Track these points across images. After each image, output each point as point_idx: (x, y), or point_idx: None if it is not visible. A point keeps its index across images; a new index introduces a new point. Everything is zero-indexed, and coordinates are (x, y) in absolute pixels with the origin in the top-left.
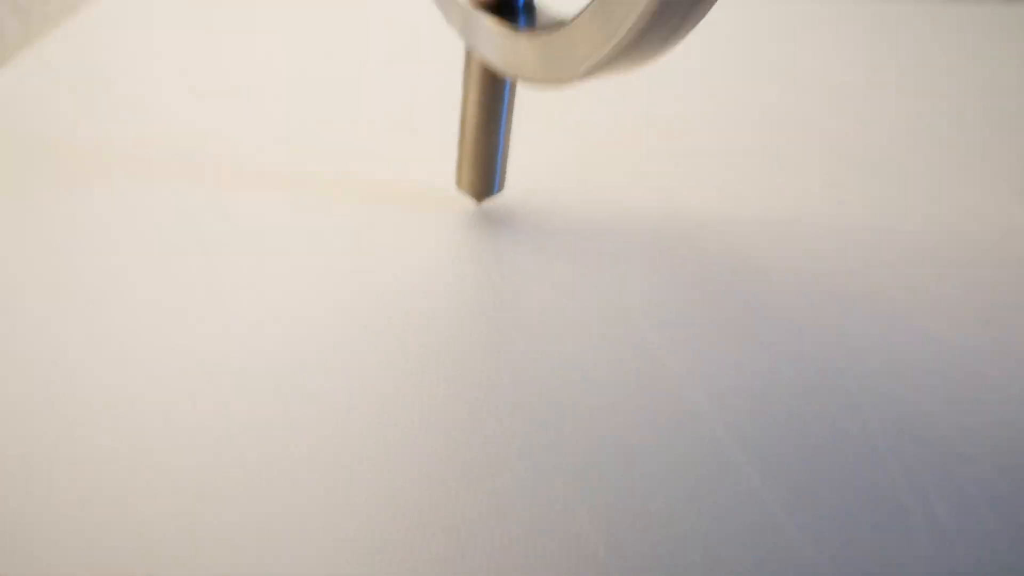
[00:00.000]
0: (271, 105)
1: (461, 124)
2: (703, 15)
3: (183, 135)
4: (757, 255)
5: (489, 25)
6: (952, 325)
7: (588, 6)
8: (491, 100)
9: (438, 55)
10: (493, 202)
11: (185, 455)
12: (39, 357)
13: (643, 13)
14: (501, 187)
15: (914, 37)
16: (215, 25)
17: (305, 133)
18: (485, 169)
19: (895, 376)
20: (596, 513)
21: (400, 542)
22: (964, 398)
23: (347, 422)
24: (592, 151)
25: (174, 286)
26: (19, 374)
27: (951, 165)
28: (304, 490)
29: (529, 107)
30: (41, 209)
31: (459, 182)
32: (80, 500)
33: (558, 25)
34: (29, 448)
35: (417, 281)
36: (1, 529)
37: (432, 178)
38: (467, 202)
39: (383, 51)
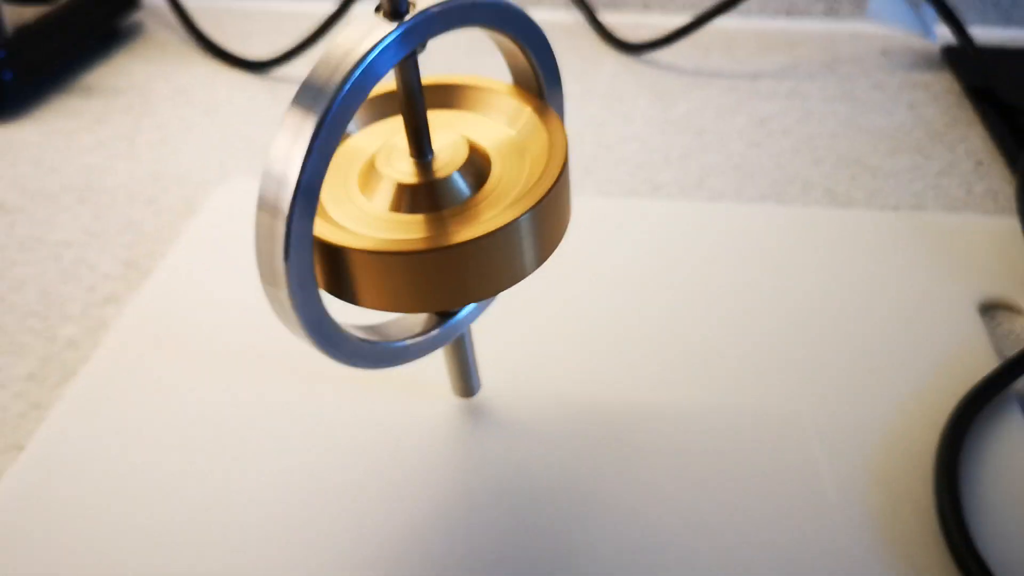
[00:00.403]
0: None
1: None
2: None
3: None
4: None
5: None
6: None
7: None
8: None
9: None
10: (477, 398)
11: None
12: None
13: None
14: (479, 387)
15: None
16: None
17: None
18: (466, 381)
19: None
20: None
21: None
22: None
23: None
24: (542, 353)
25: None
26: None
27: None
28: None
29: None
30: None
31: (453, 390)
32: None
33: None
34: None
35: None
36: None
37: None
38: (460, 400)
39: None
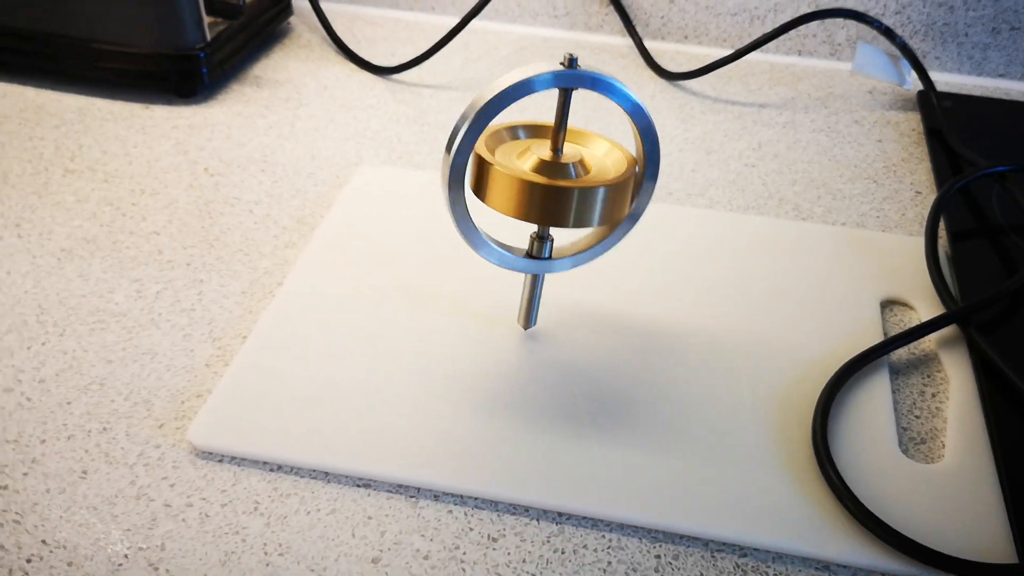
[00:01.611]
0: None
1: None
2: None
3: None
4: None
5: None
6: None
7: None
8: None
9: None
10: (533, 330)
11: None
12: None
13: None
14: (535, 323)
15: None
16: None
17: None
18: (527, 314)
19: None
20: None
21: None
22: None
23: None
24: (578, 307)
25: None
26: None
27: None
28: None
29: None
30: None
31: (518, 320)
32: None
33: None
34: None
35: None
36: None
37: (510, 317)
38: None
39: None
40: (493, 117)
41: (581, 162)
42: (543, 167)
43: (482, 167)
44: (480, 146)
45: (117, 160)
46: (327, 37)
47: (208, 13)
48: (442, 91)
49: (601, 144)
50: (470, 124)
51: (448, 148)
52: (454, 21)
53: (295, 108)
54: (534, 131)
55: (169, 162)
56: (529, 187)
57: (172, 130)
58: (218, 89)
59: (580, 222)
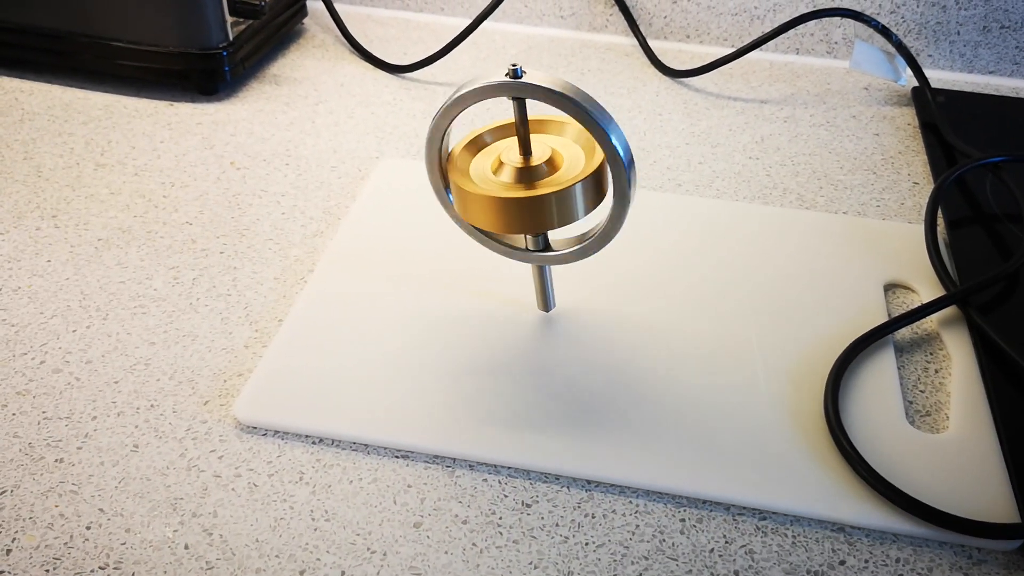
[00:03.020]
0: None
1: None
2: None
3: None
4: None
5: None
6: None
7: None
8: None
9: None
10: (554, 312)
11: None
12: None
13: None
14: (554, 305)
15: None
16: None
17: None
18: (545, 299)
19: None
20: None
21: None
22: None
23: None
24: (591, 292)
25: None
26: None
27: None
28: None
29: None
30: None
31: (538, 305)
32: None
33: None
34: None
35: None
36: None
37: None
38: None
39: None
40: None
41: (552, 159)
42: (516, 176)
43: (461, 194)
44: (454, 170)
45: (146, 155)
46: (341, 37)
47: (231, 13)
48: (454, 88)
49: (569, 129)
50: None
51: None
52: (462, 22)
53: (314, 104)
54: (502, 132)
55: (196, 156)
56: (506, 204)
57: (197, 126)
58: (239, 87)
59: (565, 220)
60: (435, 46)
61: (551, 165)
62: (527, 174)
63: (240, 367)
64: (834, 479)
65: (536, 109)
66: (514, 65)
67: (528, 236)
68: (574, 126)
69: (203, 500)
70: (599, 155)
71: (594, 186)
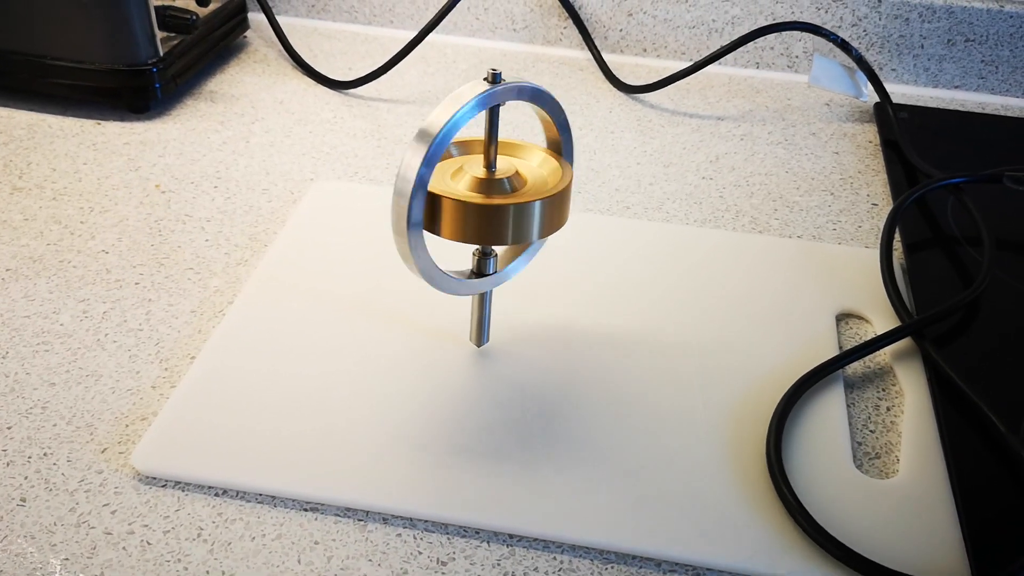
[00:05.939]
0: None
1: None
2: None
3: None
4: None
5: None
6: None
7: None
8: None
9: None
10: (486, 347)
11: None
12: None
13: None
14: (487, 340)
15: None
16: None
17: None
18: (479, 332)
19: None
20: None
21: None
22: None
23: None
24: (529, 322)
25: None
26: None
27: None
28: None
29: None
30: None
31: (470, 337)
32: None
33: None
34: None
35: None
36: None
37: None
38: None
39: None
40: (441, 153)
41: (516, 175)
42: (477, 185)
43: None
44: None
45: (67, 177)
46: (284, 51)
47: (160, 28)
48: (399, 105)
49: (536, 154)
50: (420, 165)
51: (399, 192)
52: (412, 35)
53: (250, 123)
54: (465, 147)
55: (120, 179)
56: (464, 207)
57: (124, 146)
58: (172, 104)
59: (519, 238)
60: (383, 61)
61: (515, 180)
62: (489, 186)
63: (145, 410)
64: (774, 530)
65: (506, 132)
66: (494, 70)
67: (479, 253)
68: (540, 152)
69: (90, 561)
70: (565, 180)
71: (554, 208)
